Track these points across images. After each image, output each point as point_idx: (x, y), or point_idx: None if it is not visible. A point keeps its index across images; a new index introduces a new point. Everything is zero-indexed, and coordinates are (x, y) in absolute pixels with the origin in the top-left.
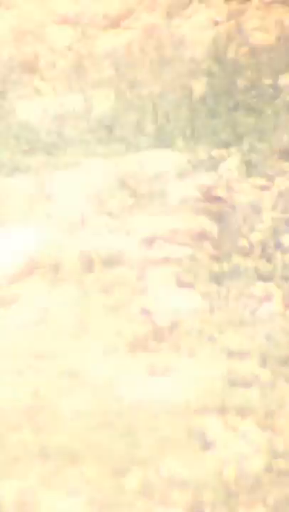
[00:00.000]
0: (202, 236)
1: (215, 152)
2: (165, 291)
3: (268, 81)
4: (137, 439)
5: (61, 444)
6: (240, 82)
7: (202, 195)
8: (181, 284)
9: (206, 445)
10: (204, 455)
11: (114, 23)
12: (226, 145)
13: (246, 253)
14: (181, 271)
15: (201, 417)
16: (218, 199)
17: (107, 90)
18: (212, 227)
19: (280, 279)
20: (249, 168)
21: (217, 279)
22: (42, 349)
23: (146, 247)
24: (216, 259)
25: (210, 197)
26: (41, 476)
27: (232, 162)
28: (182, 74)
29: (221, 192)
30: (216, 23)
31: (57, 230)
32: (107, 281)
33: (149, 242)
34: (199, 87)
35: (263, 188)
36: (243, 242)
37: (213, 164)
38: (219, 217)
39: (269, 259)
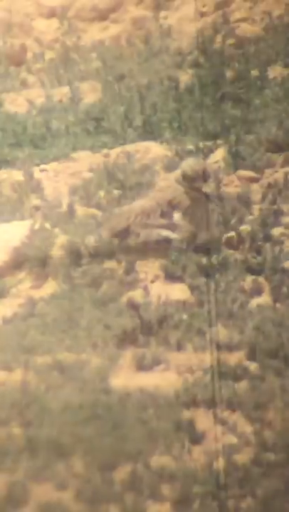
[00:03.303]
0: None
1: (202, 144)
2: (153, 285)
3: (255, 72)
4: (126, 432)
5: (50, 438)
6: (228, 74)
7: (186, 184)
8: (170, 277)
9: (195, 438)
10: (193, 448)
11: (102, 15)
12: (214, 137)
13: (235, 245)
14: (170, 264)
15: (190, 410)
16: (199, 191)
17: (95, 82)
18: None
19: (269, 272)
20: (237, 160)
21: (206, 272)
22: (30, 343)
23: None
24: (205, 252)
25: (193, 188)
26: (30, 470)
27: (219, 154)
28: (169, 65)
29: (205, 187)
30: (203, 14)
31: (44, 222)
32: (95, 274)
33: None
34: (186, 78)
35: (252, 180)
36: (232, 235)
37: (201, 156)
38: (194, 208)
39: (258, 252)
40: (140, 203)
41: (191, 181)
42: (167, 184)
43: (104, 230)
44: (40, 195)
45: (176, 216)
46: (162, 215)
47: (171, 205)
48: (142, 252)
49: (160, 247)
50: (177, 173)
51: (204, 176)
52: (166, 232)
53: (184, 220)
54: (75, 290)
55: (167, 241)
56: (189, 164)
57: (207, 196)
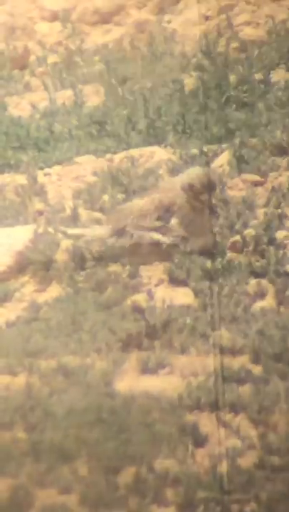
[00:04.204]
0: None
1: (206, 148)
2: (157, 289)
3: (259, 76)
4: (130, 436)
5: (54, 442)
6: (231, 77)
7: (191, 194)
8: (174, 281)
9: (199, 441)
10: (197, 451)
11: (105, 19)
12: (218, 140)
13: (239, 249)
14: (174, 268)
15: (193, 414)
16: (203, 202)
17: (98, 86)
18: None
19: (273, 275)
20: (241, 163)
21: (210, 275)
22: (34, 347)
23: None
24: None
25: (197, 198)
26: (34, 474)
27: (224, 158)
28: (173, 69)
29: (210, 198)
30: (207, 18)
31: (48, 226)
32: (100, 278)
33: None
34: (190, 82)
35: (256, 183)
36: (236, 238)
37: (205, 160)
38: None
39: (262, 255)
40: (140, 204)
41: (197, 193)
42: (170, 187)
43: (105, 227)
44: (44, 199)
45: (173, 221)
46: (159, 218)
47: (170, 210)
48: (134, 254)
49: (153, 250)
50: (183, 179)
51: (210, 186)
52: (157, 236)
53: (180, 225)
54: (79, 294)
55: (158, 244)
56: (196, 175)
57: (210, 208)
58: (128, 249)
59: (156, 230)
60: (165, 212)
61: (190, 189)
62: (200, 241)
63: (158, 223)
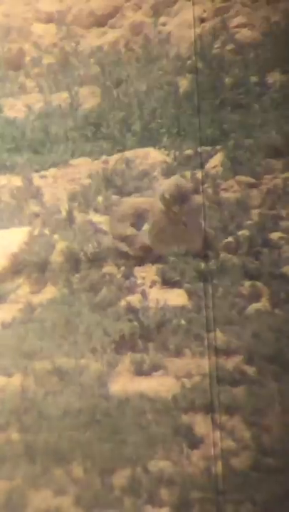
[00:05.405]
0: None
1: (201, 149)
2: (151, 290)
3: (254, 78)
4: (125, 437)
5: (48, 444)
6: (227, 79)
7: (165, 204)
8: (167, 282)
9: (194, 443)
10: (192, 453)
11: (100, 21)
12: (212, 142)
13: (233, 250)
14: (168, 269)
15: (188, 415)
16: (176, 214)
17: (93, 88)
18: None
19: (267, 277)
20: (235, 165)
21: (204, 277)
22: (29, 348)
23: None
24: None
25: (170, 209)
26: (29, 476)
27: (218, 159)
28: (168, 71)
29: (181, 209)
30: (202, 20)
31: (43, 228)
32: (94, 279)
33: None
34: (185, 84)
35: (251, 185)
36: (230, 239)
37: (200, 161)
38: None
39: (256, 256)
40: (127, 205)
41: (170, 203)
42: (154, 192)
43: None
44: (40, 202)
45: (145, 227)
46: (133, 223)
47: (144, 216)
48: (105, 258)
49: (117, 256)
50: (163, 188)
51: (181, 198)
52: (122, 246)
53: (150, 232)
54: (74, 295)
55: (122, 253)
56: (172, 185)
57: (184, 219)
58: (108, 250)
59: (124, 239)
60: (140, 218)
61: (164, 199)
62: (169, 249)
63: (129, 230)
